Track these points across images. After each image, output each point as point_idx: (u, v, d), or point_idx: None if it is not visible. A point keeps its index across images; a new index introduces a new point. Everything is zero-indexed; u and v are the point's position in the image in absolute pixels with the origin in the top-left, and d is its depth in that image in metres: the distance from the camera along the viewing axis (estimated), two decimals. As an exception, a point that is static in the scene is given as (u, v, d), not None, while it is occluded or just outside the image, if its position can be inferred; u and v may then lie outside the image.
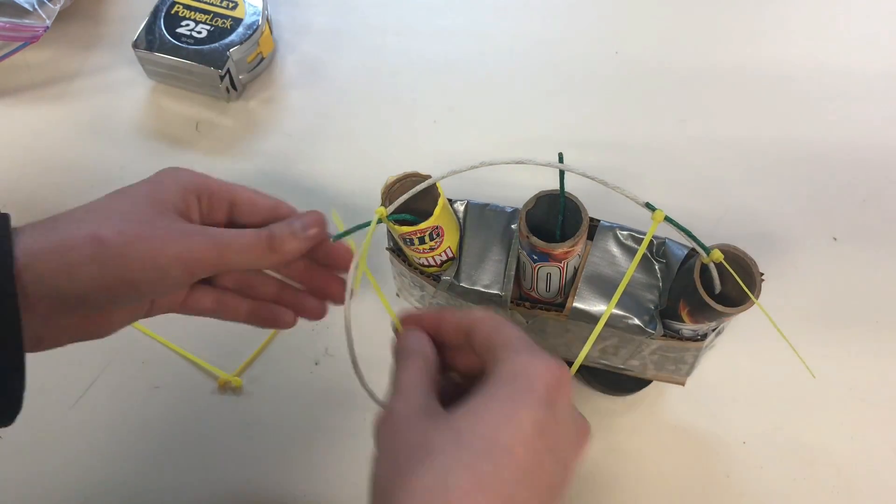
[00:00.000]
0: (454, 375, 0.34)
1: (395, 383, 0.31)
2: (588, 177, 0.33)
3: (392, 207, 0.35)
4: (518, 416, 0.27)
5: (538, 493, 0.27)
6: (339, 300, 0.37)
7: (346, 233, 0.34)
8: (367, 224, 0.34)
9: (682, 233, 0.33)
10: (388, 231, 0.41)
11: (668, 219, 0.33)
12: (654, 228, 0.34)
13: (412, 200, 0.37)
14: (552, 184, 0.36)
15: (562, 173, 0.35)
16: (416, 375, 0.31)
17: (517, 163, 0.33)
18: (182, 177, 0.34)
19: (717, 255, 0.33)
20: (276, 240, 0.33)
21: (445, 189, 0.38)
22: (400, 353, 0.32)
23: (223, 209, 0.35)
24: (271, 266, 0.36)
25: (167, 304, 0.36)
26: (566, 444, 0.29)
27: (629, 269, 0.35)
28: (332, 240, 0.35)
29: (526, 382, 0.28)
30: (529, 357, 0.29)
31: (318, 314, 0.38)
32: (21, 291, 0.28)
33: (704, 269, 0.35)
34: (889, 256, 0.55)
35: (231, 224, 0.35)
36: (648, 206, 0.32)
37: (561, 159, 0.35)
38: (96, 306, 0.31)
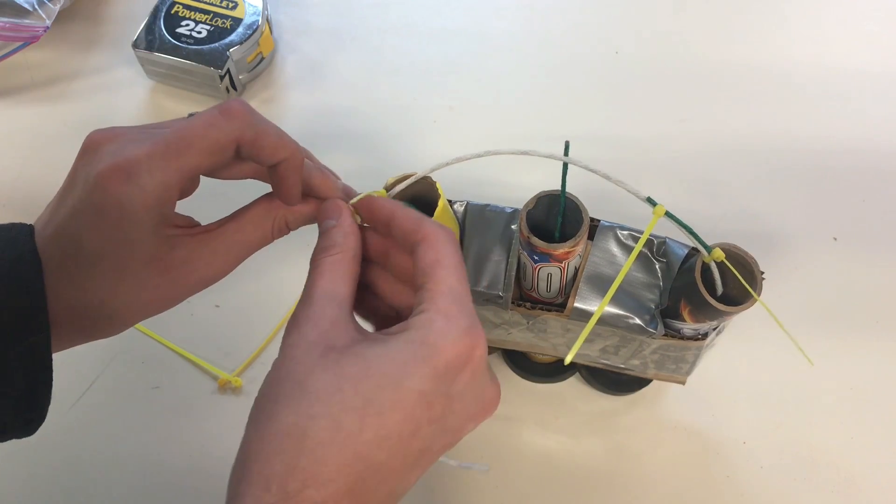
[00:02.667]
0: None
1: (307, 286, 0.30)
2: (591, 169, 0.33)
3: (392, 193, 0.35)
4: (405, 385, 0.26)
5: (402, 457, 0.27)
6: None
7: None
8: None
9: (683, 229, 0.33)
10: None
11: (668, 214, 0.32)
12: (653, 223, 0.33)
13: (412, 202, 0.37)
14: (552, 184, 0.36)
15: (565, 166, 0.35)
16: (328, 279, 0.30)
17: (521, 153, 0.33)
18: (136, 201, 0.27)
19: (719, 254, 0.33)
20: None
21: (445, 190, 0.38)
22: (320, 239, 0.31)
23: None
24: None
25: None
26: (459, 416, 0.28)
27: (627, 261, 0.35)
28: None
29: (428, 352, 0.27)
30: (446, 323, 0.27)
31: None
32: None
33: (705, 268, 0.35)
34: (889, 256, 0.55)
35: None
36: (650, 200, 0.32)
37: (567, 149, 0.35)
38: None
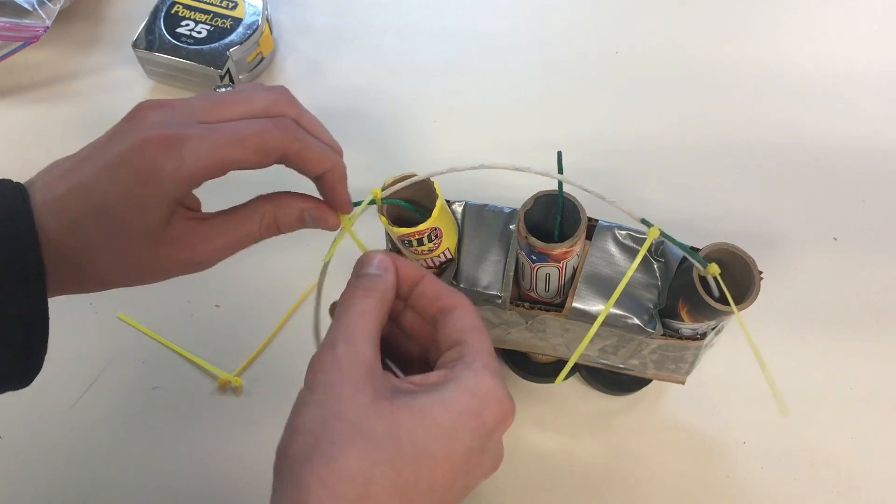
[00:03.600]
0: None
1: (345, 324, 0.29)
2: (585, 189, 0.33)
3: (388, 192, 0.35)
4: (458, 437, 0.27)
5: None
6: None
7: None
8: (360, 203, 0.35)
9: (679, 247, 0.33)
10: (387, 233, 0.41)
11: (663, 234, 0.34)
12: (647, 243, 0.35)
13: (410, 202, 0.37)
14: (550, 184, 0.36)
15: (560, 168, 0.35)
16: (369, 322, 0.30)
17: (515, 169, 0.34)
18: (170, 174, 0.29)
19: (714, 269, 0.33)
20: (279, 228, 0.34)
21: (443, 190, 0.38)
22: (360, 281, 0.31)
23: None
24: None
25: None
26: (480, 471, 0.30)
27: (626, 274, 0.35)
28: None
29: (479, 406, 0.28)
30: (493, 383, 0.29)
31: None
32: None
33: (703, 268, 0.35)
34: (889, 256, 0.55)
35: None
36: (644, 221, 0.33)
37: (560, 158, 0.35)
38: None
